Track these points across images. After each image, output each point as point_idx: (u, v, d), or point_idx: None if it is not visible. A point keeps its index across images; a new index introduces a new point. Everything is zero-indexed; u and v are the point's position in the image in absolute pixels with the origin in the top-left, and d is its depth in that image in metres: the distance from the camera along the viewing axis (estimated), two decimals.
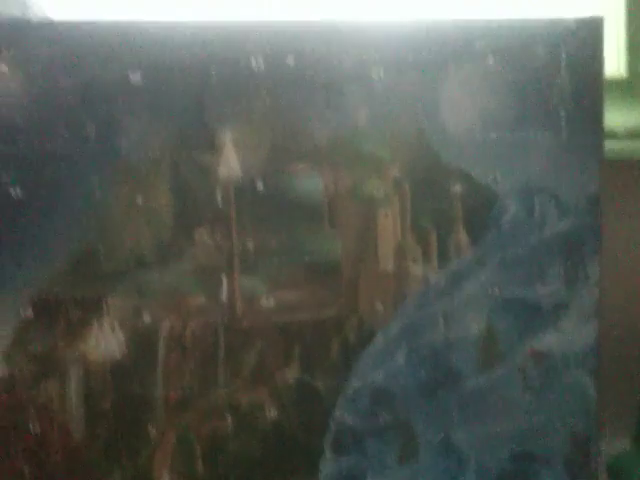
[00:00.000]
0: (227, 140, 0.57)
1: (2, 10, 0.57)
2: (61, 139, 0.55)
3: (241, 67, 0.56)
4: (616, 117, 0.73)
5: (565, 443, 0.63)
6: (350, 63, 0.57)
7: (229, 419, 0.59)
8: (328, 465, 0.60)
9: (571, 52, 0.60)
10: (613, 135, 0.72)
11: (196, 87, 0.56)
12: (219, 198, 0.57)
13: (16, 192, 0.55)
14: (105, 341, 0.56)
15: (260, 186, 0.57)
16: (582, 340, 0.62)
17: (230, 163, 0.57)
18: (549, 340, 0.62)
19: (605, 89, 0.61)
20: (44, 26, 0.54)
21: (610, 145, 0.65)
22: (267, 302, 0.58)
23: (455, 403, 0.61)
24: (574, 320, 0.62)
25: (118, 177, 0.56)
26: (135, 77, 0.55)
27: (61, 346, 0.56)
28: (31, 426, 0.56)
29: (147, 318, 0.57)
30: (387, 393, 0.60)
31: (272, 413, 0.59)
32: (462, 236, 0.61)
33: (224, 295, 0.58)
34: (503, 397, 0.62)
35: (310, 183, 0.58)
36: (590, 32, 0.60)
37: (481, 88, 0.59)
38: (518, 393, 0.62)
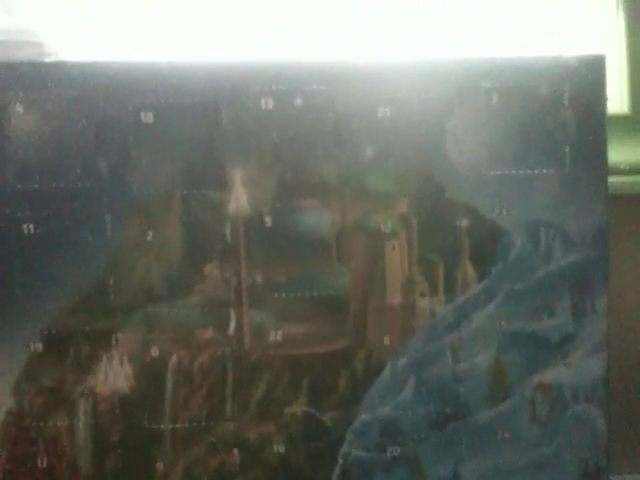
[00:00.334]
0: (237, 177, 0.57)
1: (18, 52, 0.58)
2: (74, 177, 0.56)
3: (251, 106, 0.57)
4: (619, 153, 0.73)
5: (575, 476, 0.61)
6: (357, 102, 0.58)
7: (237, 453, 0.58)
8: None
9: (574, 90, 0.60)
10: (617, 171, 0.72)
11: (207, 126, 0.56)
12: (228, 233, 0.57)
13: (29, 228, 0.55)
14: (114, 375, 0.56)
15: (269, 221, 0.57)
16: (591, 372, 0.61)
17: (239, 199, 0.57)
18: (558, 373, 0.61)
19: (608, 125, 0.61)
20: (58, 67, 0.55)
21: (614, 180, 0.64)
22: (275, 336, 0.58)
23: (464, 436, 0.60)
24: (582, 353, 0.62)
25: (129, 213, 0.56)
26: (147, 116, 0.56)
27: (70, 380, 0.56)
28: (39, 459, 0.55)
29: (156, 352, 0.57)
30: (395, 426, 0.60)
31: (280, 447, 0.58)
32: (469, 270, 0.60)
33: (232, 329, 0.57)
34: (512, 430, 0.61)
35: (318, 218, 0.58)
36: (592, 70, 0.60)
37: (486, 125, 0.59)
38: (527, 426, 0.61)
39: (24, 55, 0.59)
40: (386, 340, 0.59)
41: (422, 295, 0.60)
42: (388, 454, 0.59)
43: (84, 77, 0.55)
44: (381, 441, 0.59)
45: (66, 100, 0.55)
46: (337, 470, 0.59)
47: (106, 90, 0.56)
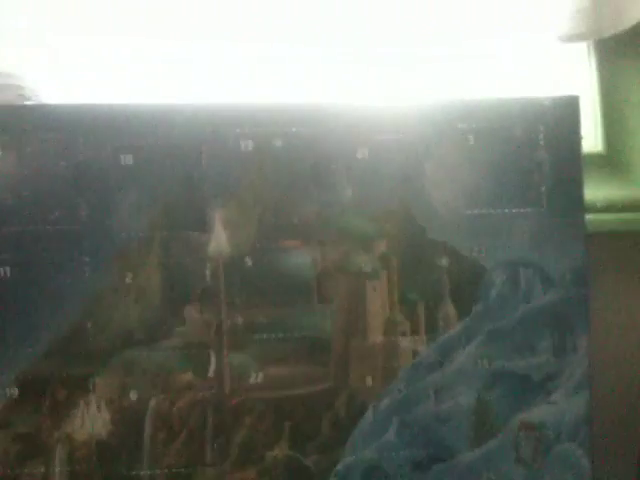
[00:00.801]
0: (217, 218, 0.56)
1: None
2: (53, 219, 0.55)
3: (230, 148, 0.56)
4: (595, 191, 0.73)
5: None
6: (336, 143, 0.58)
7: None
8: None
9: (549, 130, 0.61)
10: (593, 208, 0.72)
11: (187, 167, 0.56)
12: (208, 274, 0.56)
13: (5, 272, 0.54)
14: (91, 420, 0.54)
15: (249, 262, 0.57)
16: (574, 411, 0.61)
17: (220, 240, 0.56)
18: (541, 412, 0.60)
19: (583, 164, 0.62)
20: (37, 109, 0.55)
21: (590, 218, 0.65)
22: (256, 378, 0.57)
23: (448, 478, 0.59)
24: (565, 391, 0.61)
25: (108, 256, 0.55)
26: (127, 159, 0.55)
27: (46, 426, 0.54)
28: None
29: (134, 396, 0.55)
30: (379, 469, 0.58)
31: None
32: (450, 309, 0.60)
33: (212, 372, 0.56)
34: (497, 471, 0.59)
35: (298, 259, 0.58)
36: (567, 110, 0.61)
37: (463, 166, 0.59)
38: (511, 466, 0.60)
39: (3, 98, 0.59)
40: (368, 381, 0.58)
41: (404, 335, 0.59)
42: None
43: (63, 119, 0.55)
44: None
45: (45, 142, 0.55)
46: None
47: (85, 132, 0.55)
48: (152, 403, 0.55)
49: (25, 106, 0.55)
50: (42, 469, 0.54)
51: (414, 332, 0.59)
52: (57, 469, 0.54)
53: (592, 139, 0.80)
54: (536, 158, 0.61)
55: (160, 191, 0.55)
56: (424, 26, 0.71)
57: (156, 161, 0.56)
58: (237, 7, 0.69)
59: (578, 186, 0.61)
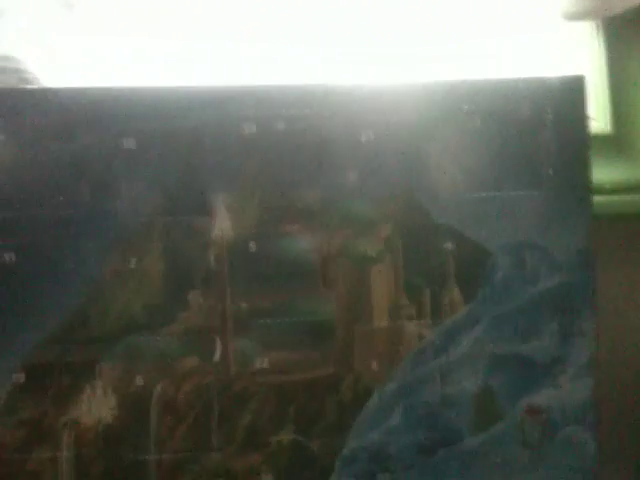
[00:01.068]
0: (219, 203, 0.56)
1: None
2: (55, 204, 0.54)
3: (232, 132, 0.55)
4: (602, 172, 0.72)
5: None
6: (340, 126, 0.57)
7: None
8: None
9: (556, 110, 0.60)
10: (600, 190, 0.71)
11: (189, 151, 0.55)
12: (212, 260, 0.56)
13: (10, 257, 0.53)
14: (97, 405, 0.54)
15: (253, 247, 0.56)
16: (580, 395, 0.60)
17: (223, 225, 0.56)
18: (546, 396, 0.60)
19: (591, 145, 0.61)
20: (37, 93, 0.54)
21: (598, 200, 0.64)
22: (261, 363, 0.56)
23: (454, 462, 0.59)
24: (571, 375, 0.60)
25: (112, 241, 0.55)
26: (128, 142, 0.55)
27: (53, 411, 0.54)
28: None
29: (139, 382, 0.55)
30: (385, 453, 0.58)
31: (267, 477, 0.56)
32: (455, 293, 0.59)
33: (217, 357, 0.56)
34: (502, 455, 0.59)
35: (302, 243, 0.57)
36: (574, 90, 0.60)
37: (469, 148, 0.58)
38: (517, 450, 0.59)
39: (4, 82, 0.58)
40: (374, 365, 0.58)
41: (409, 319, 0.58)
42: None
43: (64, 103, 0.54)
44: (370, 468, 0.58)
45: (46, 127, 0.54)
46: None
47: (87, 116, 0.54)
48: (157, 388, 0.55)
49: (25, 89, 0.54)
50: (49, 454, 0.54)
51: (419, 316, 0.58)
52: (64, 454, 0.54)
53: (600, 120, 0.79)
54: (542, 139, 0.60)
55: (162, 175, 0.55)
56: (424, 26, 0.70)
57: (158, 145, 0.55)
58: (239, 6, 0.68)
59: (585, 168, 0.60)
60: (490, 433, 0.59)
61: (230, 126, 0.55)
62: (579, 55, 0.79)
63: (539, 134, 0.60)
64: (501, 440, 0.59)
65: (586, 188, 0.60)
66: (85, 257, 0.54)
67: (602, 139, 0.77)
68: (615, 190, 0.72)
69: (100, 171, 0.54)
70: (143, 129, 0.55)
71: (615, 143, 0.78)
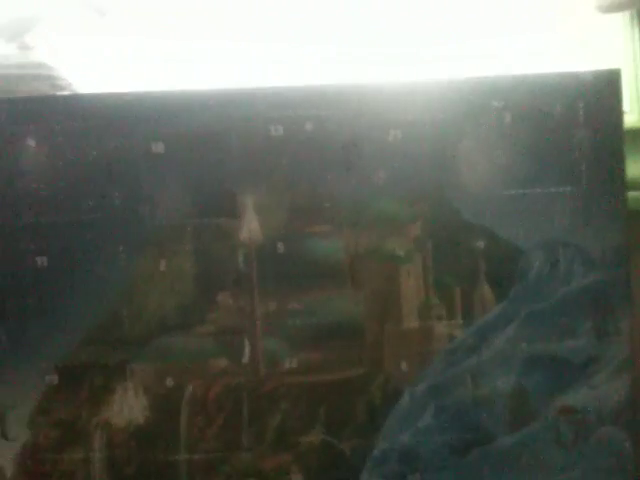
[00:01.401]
0: (248, 204, 0.55)
1: (32, 86, 0.57)
2: (87, 208, 0.55)
3: (260, 133, 0.55)
4: (637, 168, 0.70)
5: None
6: (367, 125, 0.56)
7: None
8: None
9: (589, 105, 0.58)
10: (635, 186, 0.69)
11: (217, 154, 0.55)
12: (241, 261, 0.56)
13: (42, 261, 0.54)
14: (129, 406, 0.54)
15: (281, 248, 0.56)
16: (616, 394, 0.58)
17: (251, 226, 0.55)
18: (581, 396, 0.58)
19: (625, 140, 0.59)
20: (69, 100, 0.54)
21: (632, 196, 0.62)
22: (290, 363, 0.56)
23: (486, 463, 0.58)
24: (607, 374, 0.59)
25: (142, 244, 0.55)
26: (157, 147, 0.55)
27: (85, 412, 0.54)
28: None
29: (170, 382, 0.55)
30: (415, 454, 0.57)
31: (297, 477, 0.56)
32: (487, 292, 0.58)
33: (247, 357, 0.56)
34: (536, 455, 0.58)
35: (331, 244, 0.56)
36: (608, 84, 0.58)
37: (499, 145, 0.57)
38: (551, 450, 0.58)
39: (38, 89, 0.59)
40: (404, 366, 0.57)
41: (439, 319, 0.57)
42: None
43: (94, 109, 0.55)
44: (401, 469, 0.57)
45: (77, 132, 0.54)
46: None
47: (116, 121, 0.55)
48: (188, 389, 0.55)
49: (56, 96, 0.55)
50: (81, 454, 0.54)
51: (450, 316, 0.57)
52: (96, 454, 0.54)
53: (634, 114, 0.76)
54: (576, 135, 0.58)
55: (191, 178, 0.55)
56: (427, 25, 0.69)
57: (186, 148, 0.55)
58: (241, 6, 0.67)
59: (619, 163, 0.59)
60: (523, 433, 0.58)
61: (257, 128, 0.55)
62: (613, 47, 0.77)
63: (572, 129, 0.58)
64: (535, 440, 0.58)
65: (621, 184, 0.59)
66: (116, 260, 0.55)
67: (636, 134, 0.75)
68: None
69: (129, 175, 0.55)
70: (171, 133, 0.55)
71: None
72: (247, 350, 0.55)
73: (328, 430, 0.56)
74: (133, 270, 0.55)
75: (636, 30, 0.76)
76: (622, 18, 0.76)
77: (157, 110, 0.54)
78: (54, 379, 0.54)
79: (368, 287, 0.57)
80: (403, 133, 0.56)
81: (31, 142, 0.53)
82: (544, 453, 0.58)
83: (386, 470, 0.57)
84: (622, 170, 0.59)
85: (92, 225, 0.54)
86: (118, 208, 0.54)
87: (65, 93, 0.58)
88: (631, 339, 0.59)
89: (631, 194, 0.60)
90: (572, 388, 0.58)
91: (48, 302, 0.54)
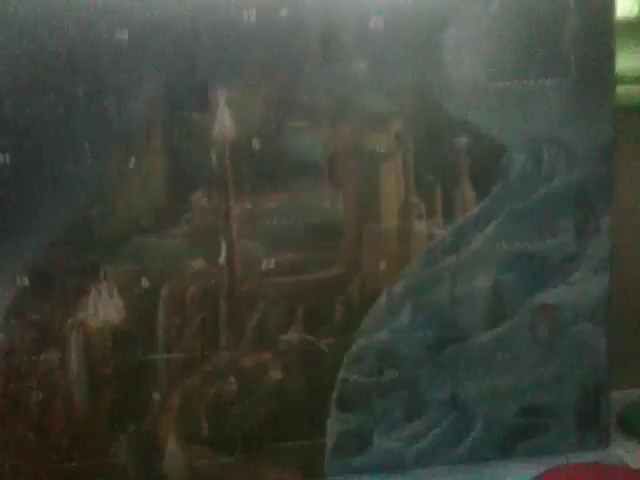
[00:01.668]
0: (220, 98, 0.52)
1: None
2: (48, 103, 0.51)
3: (231, 20, 0.51)
4: (626, 61, 0.67)
5: (575, 395, 0.60)
6: (347, 13, 0.52)
7: (233, 382, 0.56)
8: (335, 424, 0.58)
9: None
10: (623, 80, 0.66)
11: (185, 43, 0.51)
12: (214, 159, 0.53)
13: (5, 159, 0.51)
14: (104, 307, 0.53)
15: (256, 145, 0.53)
16: (593, 292, 0.59)
17: (224, 122, 0.53)
18: (559, 293, 0.59)
19: (616, 31, 0.56)
20: None
21: (620, 91, 0.59)
22: (267, 264, 0.55)
23: (462, 359, 0.58)
24: (585, 273, 0.59)
25: (109, 140, 0.52)
26: (121, 35, 0.51)
27: (59, 314, 0.53)
28: (34, 394, 0.53)
29: (146, 283, 0.54)
30: (392, 351, 0.57)
31: (277, 375, 0.56)
32: (468, 190, 0.56)
33: (223, 258, 0.54)
34: (512, 351, 0.58)
35: (308, 140, 0.54)
36: None
37: (486, 34, 0.54)
38: (527, 347, 0.59)
39: None
40: (382, 265, 0.56)
41: (419, 218, 0.56)
42: (386, 378, 0.57)
43: None
44: (378, 365, 0.57)
45: (35, 20, 0.50)
46: (334, 395, 0.57)
47: (77, 7, 0.50)
48: (164, 290, 0.54)
49: None
50: (58, 355, 0.53)
51: (430, 215, 0.56)
52: (73, 355, 0.54)
53: (626, 2, 0.72)
54: (565, 24, 0.55)
55: (158, 69, 0.51)
56: None
57: (153, 38, 0.51)
58: None
59: (610, 55, 0.56)
60: (500, 330, 0.58)
61: (228, 14, 0.51)
62: None
63: (561, 18, 0.55)
64: (511, 337, 0.58)
65: (610, 77, 0.56)
66: (82, 157, 0.52)
67: (627, 23, 0.71)
68: (638, 79, 0.67)
69: (92, 65, 0.51)
70: (136, 20, 0.51)
71: None
72: (223, 251, 0.54)
73: (306, 329, 0.56)
74: (101, 168, 0.52)
75: None
76: None
77: None
78: (25, 280, 0.52)
79: (347, 185, 0.55)
80: (385, 20, 0.52)
81: None
82: (519, 349, 0.59)
83: (363, 367, 0.57)
84: (612, 62, 0.56)
85: (55, 120, 0.51)
86: (82, 102, 0.51)
87: None
88: (610, 237, 0.58)
89: (620, 89, 0.57)
90: (550, 285, 0.58)
91: (13, 201, 0.51)
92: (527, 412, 0.60)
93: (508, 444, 0.60)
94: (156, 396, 0.55)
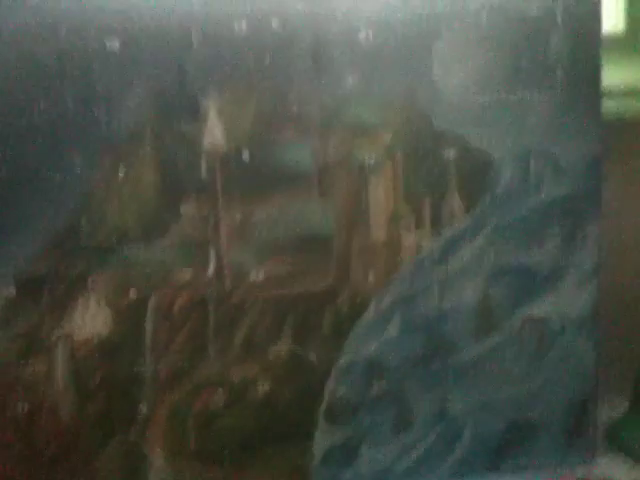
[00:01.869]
0: (211, 108, 0.52)
1: None
2: (37, 111, 0.51)
3: (223, 31, 0.51)
4: (614, 74, 0.68)
5: (563, 408, 0.60)
6: (337, 25, 0.52)
7: (221, 394, 0.56)
8: (323, 437, 0.57)
9: (568, 7, 0.55)
10: (611, 94, 0.67)
11: (177, 53, 0.51)
12: (204, 169, 0.53)
13: None
14: (91, 318, 0.53)
15: (246, 156, 0.53)
16: (580, 304, 0.59)
17: (214, 132, 0.52)
18: (547, 305, 0.59)
19: (602, 45, 0.56)
20: None
21: (607, 104, 0.60)
22: (257, 275, 0.54)
23: (450, 372, 0.58)
24: (572, 284, 0.59)
25: (98, 149, 0.52)
26: (113, 44, 0.51)
27: (46, 324, 0.53)
28: (19, 406, 0.53)
29: (133, 294, 0.53)
30: (381, 364, 0.57)
31: (265, 387, 0.56)
32: (456, 202, 0.57)
33: (212, 269, 0.54)
34: (500, 364, 0.59)
35: (299, 152, 0.54)
36: None
37: (474, 48, 0.54)
38: (515, 360, 0.59)
39: None
40: (371, 277, 0.56)
41: (408, 230, 0.56)
42: (374, 391, 0.57)
43: (42, 3, 0.50)
44: (367, 378, 0.57)
45: (23, 27, 0.50)
46: (323, 407, 0.57)
47: (67, 15, 0.50)
48: (152, 301, 0.54)
49: None
50: (44, 367, 0.53)
51: (419, 227, 0.56)
52: (59, 367, 0.53)
53: (612, 17, 0.73)
54: (553, 39, 0.55)
55: (149, 78, 0.51)
56: None
57: (144, 47, 0.51)
58: None
59: (596, 69, 0.56)
60: (488, 343, 0.58)
61: (219, 24, 0.51)
62: None
63: (549, 32, 0.55)
64: (499, 350, 0.58)
65: (597, 91, 0.57)
66: (72, 166, 0.52)
67: (614, 38, 0.72)
68: (626, 93, 0.68)
69: (83, 74, 0.51)
70: (128, 29, 0.51)
71: (627, 43, 0.73)
72: (212, 262, 0.54)
73: (295, 341, 0.56)
74: (90, 177, 0.52)
75: None
76: None
77: (112, 4, 0.50)
78: (12, 291, 0.52)
79: (336, 197, 0.55)
80: (375, 33, 0.53)
81: None
82: (507, 362, 0.59)
83: (352, 379, 0.57)
84: (599, 76, 0.57)
85: (44, 129, 0.51)
86: (71, 110, 0.51)
87: None
88: (598, 249, 0.58)
89: (607, 102, 0.58)
90: (538, 298, 0.59)
91: (1, 211, 0.51)
92: (515, 425, 0.60)
93: (496, 457, 0.59)
94: (143, 408, 0.54)
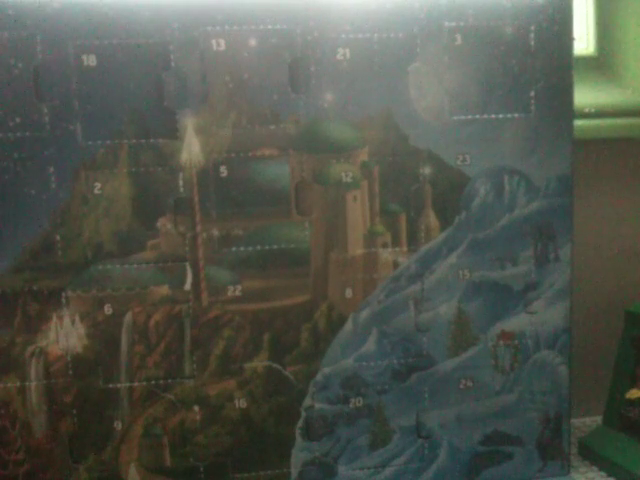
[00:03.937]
0: (188, 124, 0.52)
1: None
2: (13, 126, 0.50)
3: (201, 48, 0.51)
4: (585, 96, 0.69)
5: (537, 423, 0.60)
6: (315, 43, 0.52)
7: (197, 411, 0.55)
8: (300, 453, 0.56)
9: (540, 30, 0.56)
10: (582, 114, 0.68)
11: (154, 69, 0.51)
12: (181, 185, 0.52)
13: None
14: (65, 334, 0.52)
15: (224, 172, 0.53)
16: (553, 320, 0.59)
17: (192, 148, 0.52)
18: (520, 321, 0.59)
19: (574, 67, 0.57)
20: None
21: (579, 124, 0.61)
22: (233, 291, 0.54)
23: (427, 386, 0.58)
24: (545, 300, 0.59)
25: (75, 165, 0.51)
26: (89, 60, 0.50)
27: (19, 341, 0.52)
28: None
29: (109, 310, 0.52)
30: (358, 378, 0.57)
31: (241, 403, 0.55)
32: (432, 219, 0.57)
33: (189, 285, 0.53)
34: (474, 379, 0.58)
35: (276, 168, 0.54)
36: (559, 9, 0.56)
37: (449, 68, 0.55)
38: (490, 374, 0.59)
39: None
40: (348, 293, 0.56)
41: (384, 246, 0.56)
42: (351, 406, 0.57)
43: (19, 17, 0.49)
44: (344, 393, 0.57)
45: (2, 43, 0.49)
46: (300, 423, 0.56)
47: (44, 31, 0.49)
48: (128, 317, 0.53)
49: None
50: (17, 383, 0.52)
51: (395, 243, 0.56)
52: (33, 383, 0.52)
53: (583, 41, 0.75)
54: (526, 60, 0.56)
55: (126, 95, 0.51)
56: None
57: (121, 62, 0.50)
58: None
59: (568, 90, 0.57)
60: (463, 358, 0.58)
61: (198, 42, 0.51)
62: None
63: (522, 54, 0.56)
64: (474, 365, 0.58)
65: (569, 111, 0.57)
66: (47, 181, 0.51)
67: (585, 61, 0.73)
68: (597, 114, 0.69)
69: (60, 90, 0.50)
70: (105, 45, 0.50)
71: (598, 65, 0.74)
72: (189, 277, 0.53)
73: (272, 356, 0.55)
74: (66, 193, 0.51)
75: None
76: None
77: (88, 19, 0.50)
78: None
79: (314, 214, 0.55)
80: (352, 52, 0.53)
81: None
82: (482, 377, 0.59)
83: (329, 394, 0.56)
84: (570, 97, 0.57)
85: (20, 144, 0.50)
86: (47, 126, 0.50)
87: None
88: (570, 266, 0.59)
89: (579, 122, 0.58)
90: (511, 314, 0.59)
91: None
92: (490, 440, 0.59)
93: (472, 472, 0.59)
94: (118, 425, 0.53)
